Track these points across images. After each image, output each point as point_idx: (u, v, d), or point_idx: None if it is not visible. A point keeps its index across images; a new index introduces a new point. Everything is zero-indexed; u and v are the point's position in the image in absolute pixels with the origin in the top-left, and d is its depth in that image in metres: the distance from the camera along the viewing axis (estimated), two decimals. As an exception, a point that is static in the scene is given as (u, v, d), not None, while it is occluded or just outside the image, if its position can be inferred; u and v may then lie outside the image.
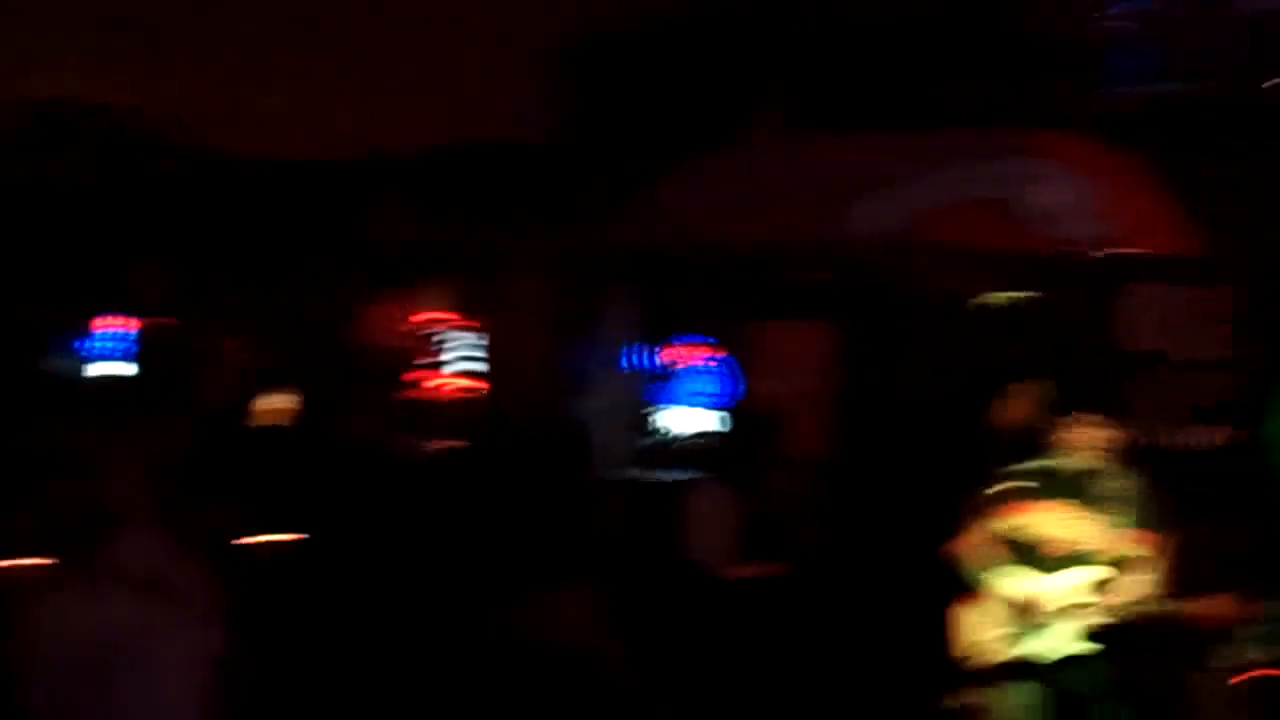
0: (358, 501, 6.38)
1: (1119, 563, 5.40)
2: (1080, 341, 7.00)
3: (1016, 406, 5.84)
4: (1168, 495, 5.64)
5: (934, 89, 5.81)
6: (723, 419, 8.94)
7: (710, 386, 9.08)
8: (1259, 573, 5.38)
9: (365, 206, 8.88)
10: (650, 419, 9.29)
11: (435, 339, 9.74)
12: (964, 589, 5.51)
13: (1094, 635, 5.31)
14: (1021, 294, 7.22)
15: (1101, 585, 5.35)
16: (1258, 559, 5.43)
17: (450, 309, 9.67)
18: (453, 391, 9.48)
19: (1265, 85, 4.84)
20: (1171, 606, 5.30)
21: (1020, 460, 5.51)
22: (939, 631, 5.57)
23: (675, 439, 9.23)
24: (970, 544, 5.54)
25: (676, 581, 7.02)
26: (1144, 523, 5.44)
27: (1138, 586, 5.41)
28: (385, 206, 8.82)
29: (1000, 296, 7.25)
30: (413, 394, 9.22)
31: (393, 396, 8.84)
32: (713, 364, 9.00)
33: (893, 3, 6.04)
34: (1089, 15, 5.12)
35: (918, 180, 5.72)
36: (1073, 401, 5.51)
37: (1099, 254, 5.43)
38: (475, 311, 9.50)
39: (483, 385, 9.38)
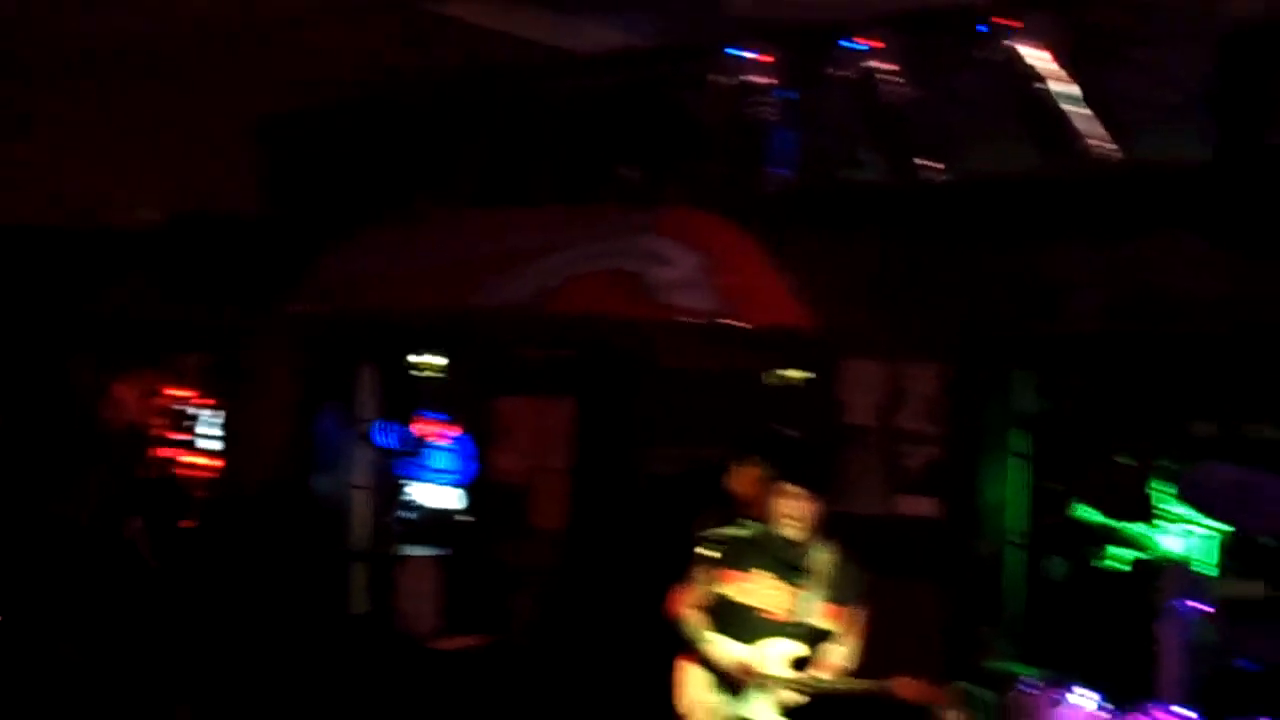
0: (44, 582, 6.31)
1: (818, 636, 5.64)
2: (799, 415, 7.32)
3: (741, 477, 6.03)
4: (868, 568, 5.93)
5: (602, 170, 6.08)
6: (463, 495, 9.07)
7: (452, 462, 9.19)
8: (960, 644, 5.63)
9: (98, 278, 8.72)
10: (399, 494, 9.36)
11: (175, 416, 9.60)
12: (685, 649, 5.70)
13: (793, 709, 5.54)
14: (749, 368, 7.52)
15: (800, 659, 5.58)
16: (960, 630, 5.66)
17: (190, 385, 9.56)
18: (190, 470, 9.35)
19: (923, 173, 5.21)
20: (872, 682, 5.47)
21: (727, 527, 5.74)
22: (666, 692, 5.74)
23: (422, 514, 9.32)
24: (684, 606, 5.73)
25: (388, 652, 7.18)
26: (841, 597, 5.70)
27: (835, 660, 5.66)
28: (120, 279, 8.69)
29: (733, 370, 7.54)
30: (144, 473, 9.05)
31: (120, 475, 8.66)
32: (454, 440, 9.12)
33: (566, 90, 6.27)
34: (745, 103, 5.42)
35: (558, 254, 6.00)
36: (782, 473, 5.78)
37: (715, 323, 5.77)
38: (216, 388, 9.41)
39: (220, 463, 9.28)
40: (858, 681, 5.53)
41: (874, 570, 6.04)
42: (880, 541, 6.99)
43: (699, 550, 5.68)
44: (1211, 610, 5.84)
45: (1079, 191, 6.47)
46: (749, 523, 5.76)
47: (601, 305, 6.00)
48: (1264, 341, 6.39)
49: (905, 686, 5.40)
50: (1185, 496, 5.59)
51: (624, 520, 7.68)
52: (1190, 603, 5.58)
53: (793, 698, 5.53)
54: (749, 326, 5.97)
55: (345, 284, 6.58)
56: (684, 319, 5.91)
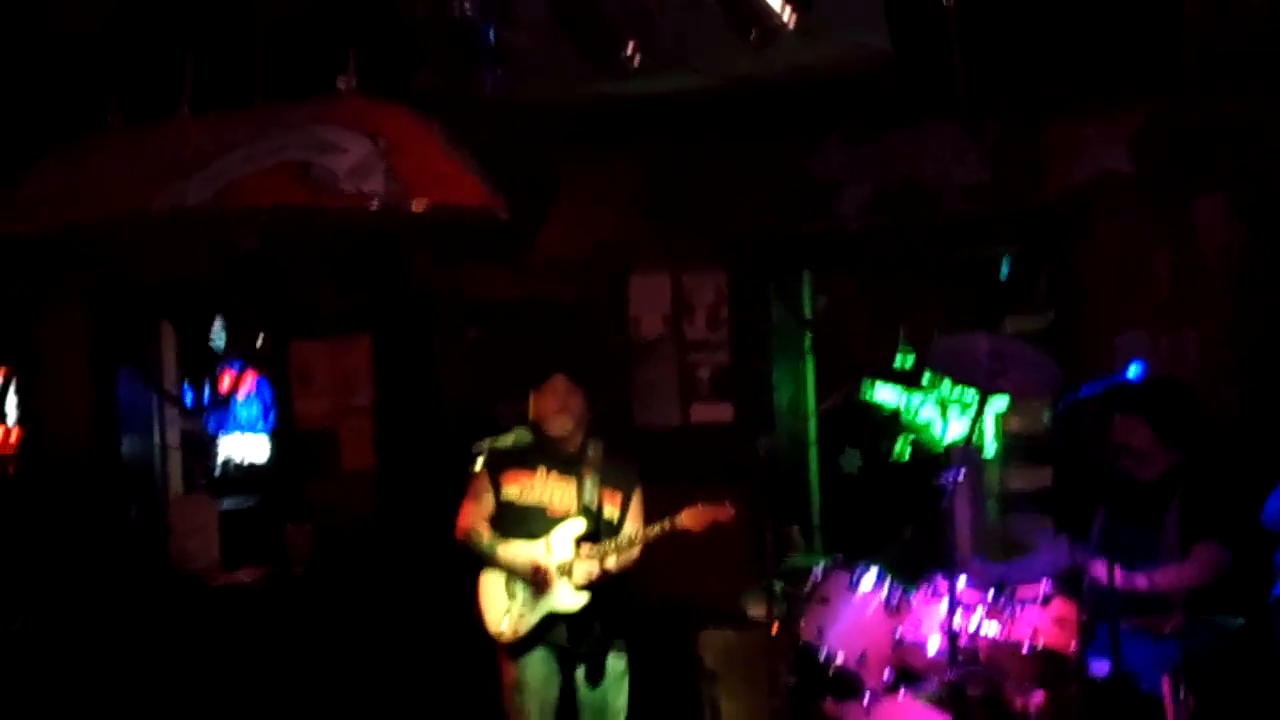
0: None
1: (603, 524, 5.76)
2: (591, 327, 7.41)
3: (544, 401, 6.04)
4: (669, 478, 6.04)
5: (318, 76, 6.03)
6: (271, 443, 9.01)
7: (257, 412, 9.13)
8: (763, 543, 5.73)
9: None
10: (209, 450, 9.28)
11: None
12: (481, 566, 5.76)
13: (591, 588, 5.63)
14: (545, 296, 7.58)
15: (586, 534, 5.69)
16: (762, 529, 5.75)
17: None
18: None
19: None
20: (658, 525, 5.60)
21: (499, 436, 5.78)
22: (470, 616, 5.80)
23: (233, 466, 9.26)
24: (471, 522, 5.79)
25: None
26: (618, 483, 5.83)
27: (624, 548, 5.77)
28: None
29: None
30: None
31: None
32: (256, 389, 9.06)
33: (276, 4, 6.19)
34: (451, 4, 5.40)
35: (234, 152, 5.94)
36: (560, 376, 5.83)
37: (394, 207, 5.77)
38: (8, 357, 9.19)
39: (19, 431, 9.07)
40: (647, 530, 5.66)
41: (676, 479, 6.17)
42: (680, 451, 7.18)
43: (475, 462, 5.73)
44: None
45: (839, 89, 6.61)
46: (520, 428, 5.83)
47: (274, 198, 5.95)
48: (1021, 228, 6.66)
49: (691, 516, 5.56)
50: (938, 364, 5.75)
51: (430, 455, 7.70)
52: (965, 478, 5.78)
53: (589, 570, 5.63)
54: (427, 207, 5.95)
55: (30, 203, 6.40)
56: (358, 205, 5.87)
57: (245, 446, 9.27)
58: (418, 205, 5.83)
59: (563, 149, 7.27)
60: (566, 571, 5.66)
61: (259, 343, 8.94)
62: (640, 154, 7.31)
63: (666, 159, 7.27)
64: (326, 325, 8.18)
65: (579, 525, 5.71)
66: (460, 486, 5.91)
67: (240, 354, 9.14)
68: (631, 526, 5.82)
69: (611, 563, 5.66)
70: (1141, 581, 5.09)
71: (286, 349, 8.39)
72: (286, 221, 6.49)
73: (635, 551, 5.70)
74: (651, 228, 7.35)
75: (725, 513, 5.55)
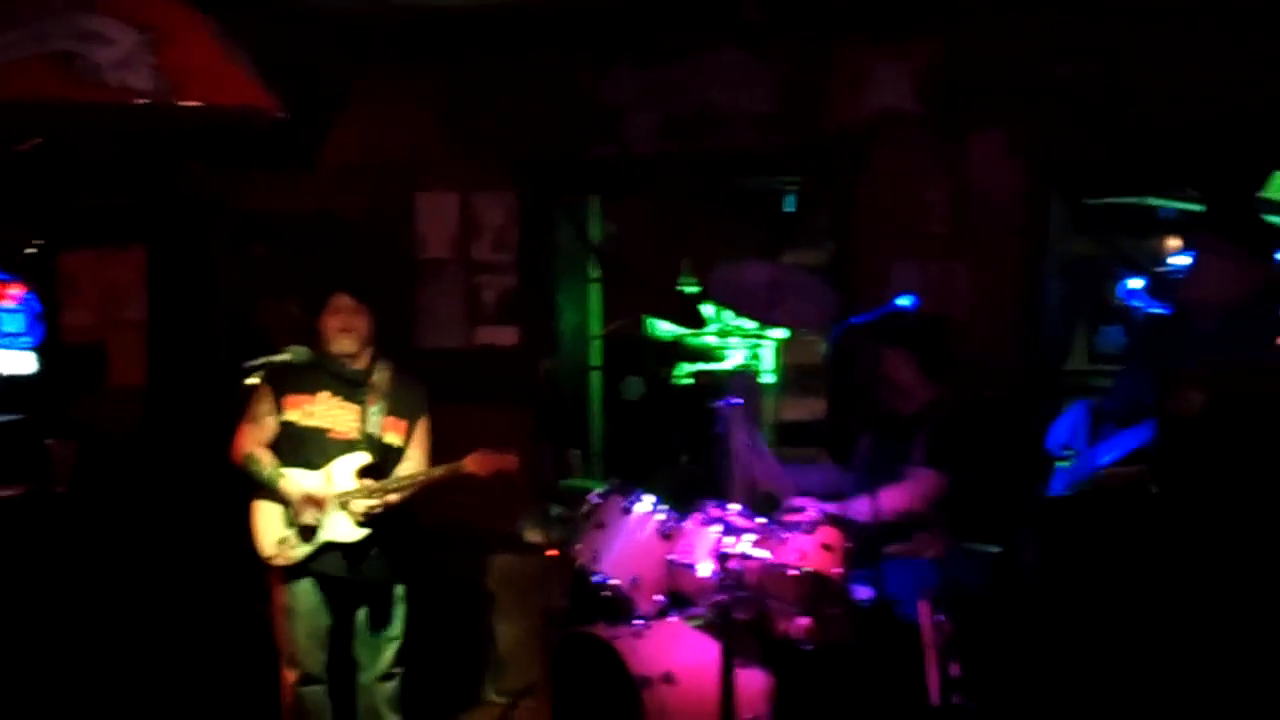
0: None
1: (387, 451, 5.66)
2: (376, 245, 7.26)
3: (328, 320, 5.86)
4: (454, 399, 5.97)
5: None
6: (37, 357, 8.63)
7: (21, 325, 8.72)
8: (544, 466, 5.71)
9: None
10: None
11: None
12: (256, 490, 5.61)
13: (370, 523, 5.54)
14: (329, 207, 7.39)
15: (368, 467, 5.59)
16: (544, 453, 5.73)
17: None
18: None
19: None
20: (443, 467, 5.53)
21: (277, 354, 5.62)
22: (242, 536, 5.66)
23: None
24: (248, 445, 5.63)
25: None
26: (403, 410, 5.72)
27: (404, 471, 5.69)
28: None
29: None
30: None
31: None
32: (21, 301, 8.65)
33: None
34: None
35: None
36: (344, 294, 5.68)
37: (162, 103, 5.58)
38: None
39: None
40: (430, 471, 5.61)
41: (462, 400, 6.11)
42: (463, 373, 7.10)
43: (250, 381, 5.57)
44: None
45: (632, 11, 6.55)
46: (297, 347, 5.68)
47: (33, 91, 5.67)
48: (805, 159, 6.71)
49: (476, 462, 5.49)
50: (718, 293, 5.78)
51: (205, 373, 7.47)
52: (742, 406, 5.83)
53: (367, 505, 5.54)
54: (198, 105, 5.74)
55: None
56: (123, 101, 5.63)
57: (9, 360, 8.87)
58: (188, 103, 5.58)
59: (354, 59, 7.05)
60: (345, 504, 5.56)
61: (25, 251, 8.54)
62: (433, 69, 7.14)
63: (460, 76, 7.12)
64: (98, 235, 7.83)
65: (362, 458, 5.60)
66: (235, 406, 5.74)
67: (4, 264, 8.72)
68: (415, 456, 5.75)
69: (392, 498, 5.58)
70: (862, 507, 5.18)
71: (55, 259, 8.03)
72: (48, 118, 6.16)
73: (416, 488, 5.63)
74: (441, 145, 7.20)
75: (510, 462, 5.50)
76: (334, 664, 5.79)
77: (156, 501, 7.17)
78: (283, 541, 5.57)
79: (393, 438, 5.72)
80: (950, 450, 5.42)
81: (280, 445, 5.67)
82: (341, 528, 5.56)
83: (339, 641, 5.79)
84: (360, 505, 5.54)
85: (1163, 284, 6.08)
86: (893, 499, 5.28)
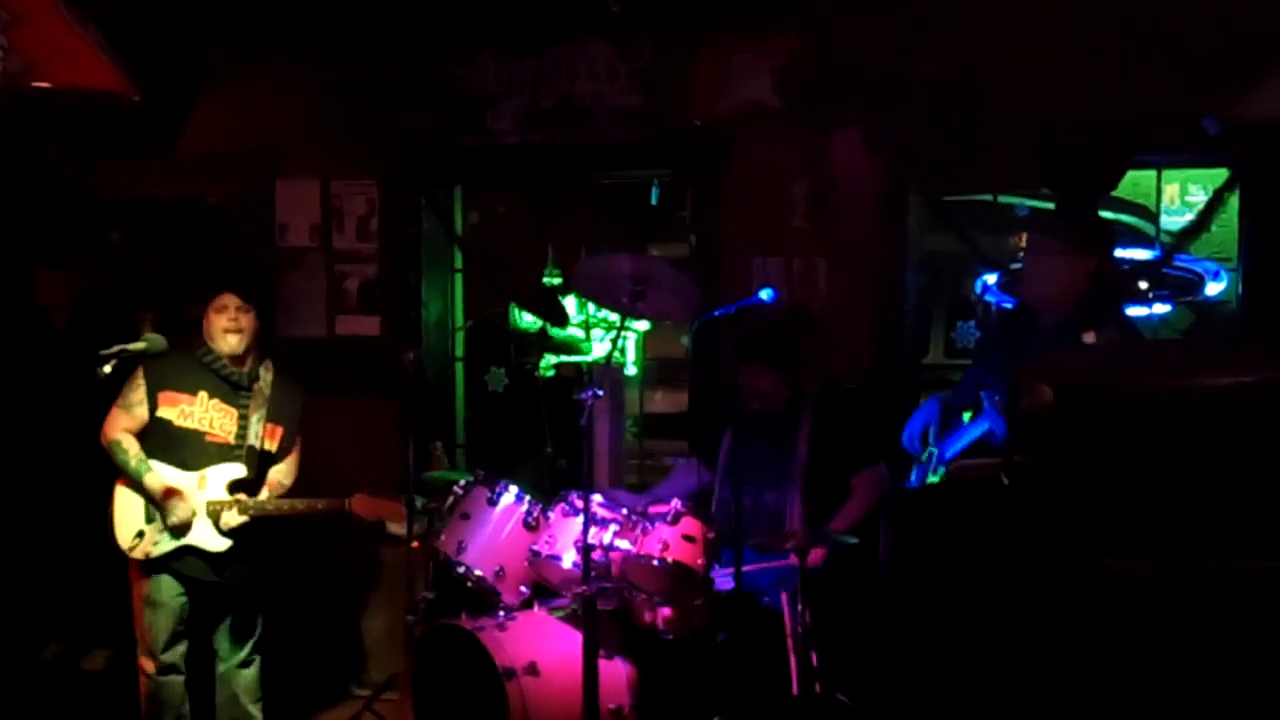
0: None
1: (262, 457, 5.59)
2: (236, 232, 7.18)
3: (213, 319, 5.73)
4: (318, 390, 5.92)
5: None
6: None
7: None
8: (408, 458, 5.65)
9: None
10: None
11: None
12: (119, 477, 5.51)
13: (235, 531, 5.49)
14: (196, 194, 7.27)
15: (240, 481, 5.52)
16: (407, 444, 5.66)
17: None
18: None
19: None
20: (328, 500, 5.51)
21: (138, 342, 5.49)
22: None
23: None
24: (116, 431, 5.52)
25: None
26: (280, 417, 5.67)
27: (275, 479, 5.63)
28: None
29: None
30: None
31: None
32: None
33: None
34: None
35: None
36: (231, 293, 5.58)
37: (13, 85, 5.49)
38: None
39: None
40: (313, 501, 5.55)
41: (323, 391, 6.05)
42: (326, 363, 7.02)
43: (104, 370, 5.41)
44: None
45: (497, 1, 6.54)
46: (153, 335, 5.53)
47: None
48: (669, 152, 6.75)
49: (360, 503, 5.50)
50: (582, 285, 5.82)
51: (59, 362, 7.29)
52: (605, 397, 5.87)
53: (236, 519, 5.48)
54: (51, 87, 5.62)
55: None
56: None
57: None
58: (40, 84, 5.43)
59: (215, 43, 6.90)
60: (215, 515, 5.49)
61: None
62: (298, 55, 7.05)
63: (324, 62, 7.04)
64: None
65: (237, 469, 5.53)
66: (92, 397, 5.59)
67: None
68: (288, 463, 5.72)
69: (262, 514, 5.54)
70: (839, 524, 5.41)
71: None
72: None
73: (292, 514, 5.56)
74: (304, 132, 7.12)
75: (396, 511, 5.50)
76: (192, 654, 5.72)
77: (5, 487, 7.00)
78: (140, 535, 5.48)
79: (269, 444, 5.67)
80: (834, 438, 5.61)
81: (153, 440, 5.56)
82: (207, 535, 5.50)
83: (198, 632, 5.72)
84: (233, 520, 5.49)
85: (1015, 280, 6.24)
86: (853, 513, 5.49)
